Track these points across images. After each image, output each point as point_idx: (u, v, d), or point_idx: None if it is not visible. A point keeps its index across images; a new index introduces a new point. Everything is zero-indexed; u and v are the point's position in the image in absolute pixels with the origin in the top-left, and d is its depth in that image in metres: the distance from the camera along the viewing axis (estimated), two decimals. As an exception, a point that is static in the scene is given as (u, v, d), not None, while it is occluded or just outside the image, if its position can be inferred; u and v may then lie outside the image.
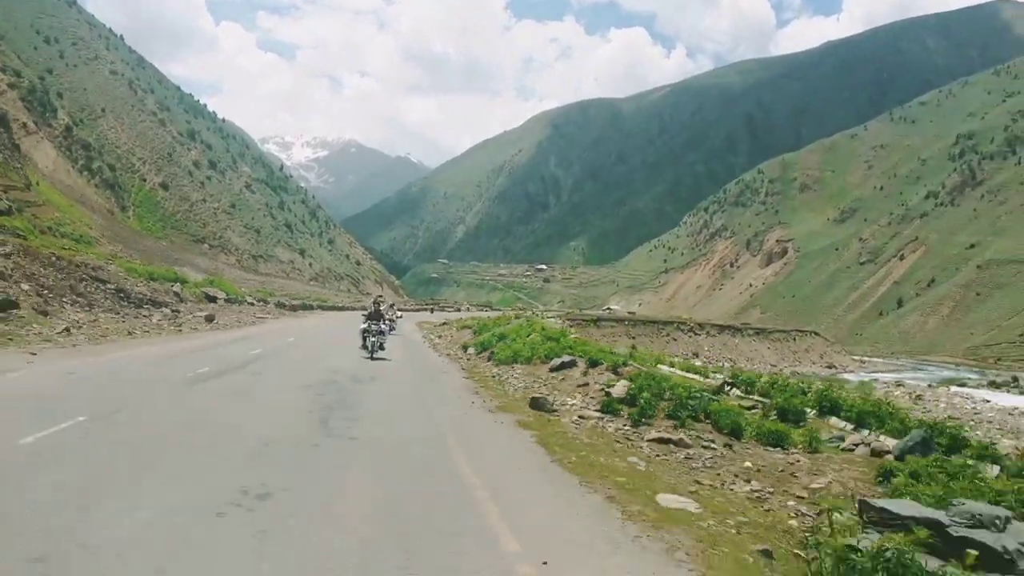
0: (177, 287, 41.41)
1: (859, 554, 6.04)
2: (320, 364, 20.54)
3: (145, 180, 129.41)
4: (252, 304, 53.81)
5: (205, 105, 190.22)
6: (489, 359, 25.95)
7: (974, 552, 6.36)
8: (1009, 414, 39.80)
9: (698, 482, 10.10)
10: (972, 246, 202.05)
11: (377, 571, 5.98)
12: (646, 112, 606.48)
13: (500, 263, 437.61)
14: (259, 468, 8.87)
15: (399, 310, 53.03)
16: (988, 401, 50.16)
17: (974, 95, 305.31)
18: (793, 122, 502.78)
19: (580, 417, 14.76)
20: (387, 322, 25.73)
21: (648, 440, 12.50)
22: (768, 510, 9.06)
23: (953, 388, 64.28)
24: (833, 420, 16.49)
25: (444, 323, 53.73)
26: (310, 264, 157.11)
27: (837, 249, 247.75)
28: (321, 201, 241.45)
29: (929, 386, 63.11)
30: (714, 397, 15.80)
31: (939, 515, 7.08)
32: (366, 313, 24.35)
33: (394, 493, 8.39)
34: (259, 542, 6.34)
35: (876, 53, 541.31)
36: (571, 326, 67.27)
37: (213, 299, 45.71)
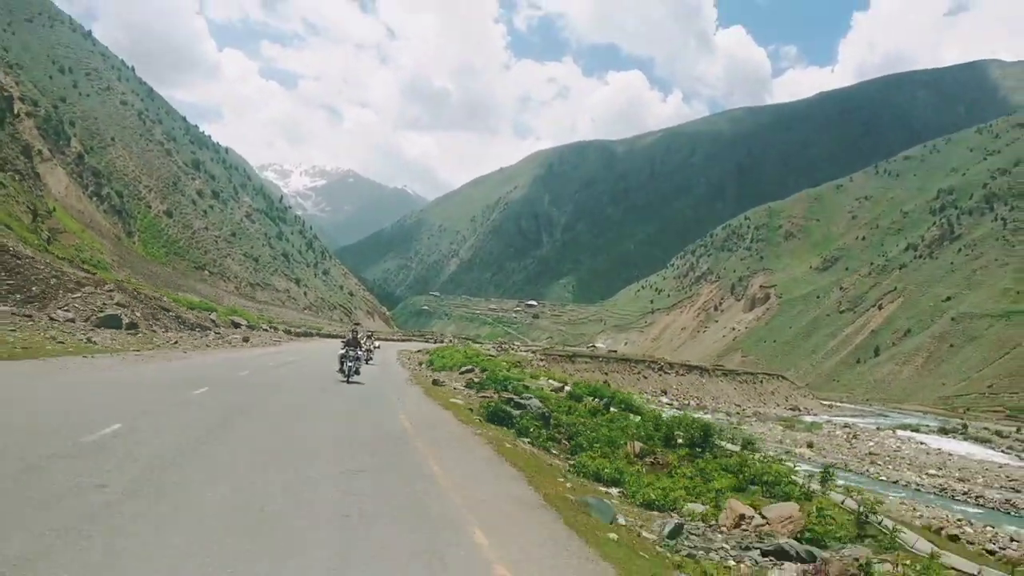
0: (214, 316, 52.18)
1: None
2: (327, 366, 29.26)
3: (151, 207, 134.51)
4: (266, 330, 62.62)
5: (210, 136, 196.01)
6: (430, 367, 38.24)
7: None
8: (927, 453, 45.13)
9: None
10: (948, 299, 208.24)
11: (347, 439, 12.89)
12: (639, 155, 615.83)
13: (491, 298, 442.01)
14: (304, 391, 21.10)
15: (378, 340, 57.50)
16: (922, 444, 55.46)
17: (957, 152, 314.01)
18: (781, 171, 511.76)
19: (454, 388, 27.09)
20: (363, 351, 28.54)
21: (479, 395, 24.68)
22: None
23: (901, 432, 69.50)
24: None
25: (419, 350, 59.39)
26: (304, 293, 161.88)
27: (818, 296, 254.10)
28: (317, 230, 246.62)
29: (878, 429, 68.45)
30: (528, 384, 28.21)
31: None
32: (344, 340, 27.55)
33: (357, 409, 17.85)
34: (291, 423, 14.47)
35: (866, 105, 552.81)
36: (545, 360, 72.87)
37: (238, 325, 55.09)
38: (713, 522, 11.39)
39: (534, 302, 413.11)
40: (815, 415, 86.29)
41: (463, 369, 34.67)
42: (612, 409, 26.35)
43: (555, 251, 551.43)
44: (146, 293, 42.60)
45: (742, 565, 9.06)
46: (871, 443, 48.86)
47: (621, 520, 10.00)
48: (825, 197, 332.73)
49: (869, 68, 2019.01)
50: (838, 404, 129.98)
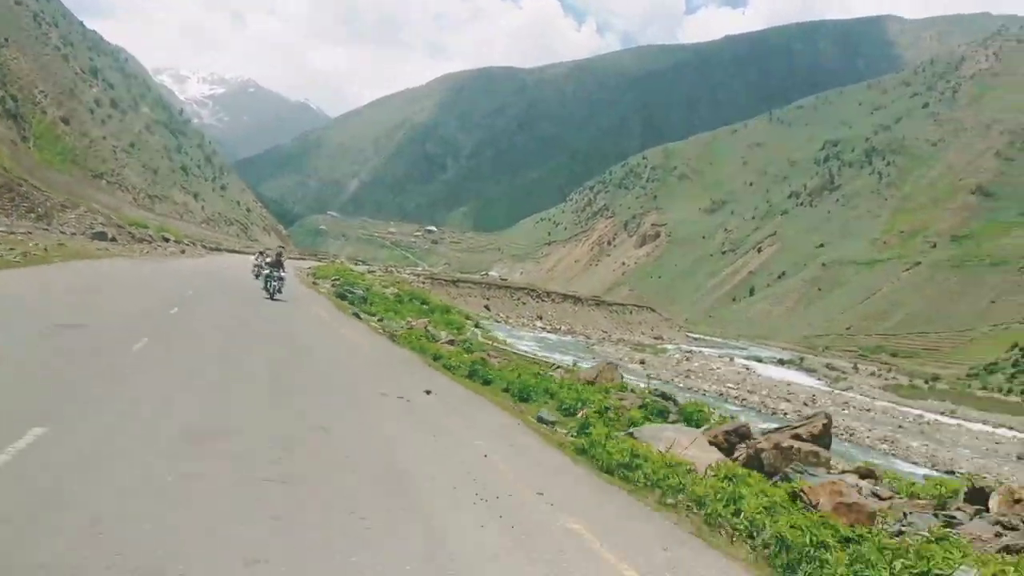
0: (150, 232, 64.50)
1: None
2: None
3: (46, 113, 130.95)
4: (188, 245, 72.63)
5: (109, 43, 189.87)
6: (313, 277, 47.40)
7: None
8: (738, 373, 52.24)
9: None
10: (821, 245, 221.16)
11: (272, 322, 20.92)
12: (549, 86, 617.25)
13: (391, 221, 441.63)
14: (238, 291, 29.81)
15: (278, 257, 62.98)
16: (747, 368, 62.84)
17: (847, 105, 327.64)
18: (686, 111, 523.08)
19: (327, 288, 37.52)
20: (283, 271, 30.33)
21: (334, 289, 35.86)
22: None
23: (742, 361, 77.30)
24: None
25: (309, 268, 63.72)
26: (202, 207, 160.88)
27: (704, 237, 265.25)
28: (214, 141, 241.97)
29: (719, 357, 75.94)
30: (366, 294, 35.50)
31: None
32: (269, 261, 30.49)
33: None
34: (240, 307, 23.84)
35: (772, 52, 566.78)
36: (428, 284, 77.46)
37: (167, 240, 67.11)
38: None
39: (434, 228, 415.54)
40: (675, 344, 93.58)
41: (333, 279, 44.56)
42: (415, 302, 35.36)
43: (459, 177, 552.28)
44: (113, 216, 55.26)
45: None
46: (696, 364, 55.79)
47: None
48: (720, 141, 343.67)
49: (780, 12, 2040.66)
50: (705, 337, 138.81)
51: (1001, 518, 7.99)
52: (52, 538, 4.86)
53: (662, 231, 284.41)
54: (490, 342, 27.62)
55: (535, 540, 6.39)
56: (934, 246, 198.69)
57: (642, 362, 51.33)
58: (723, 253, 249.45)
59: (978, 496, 9.11)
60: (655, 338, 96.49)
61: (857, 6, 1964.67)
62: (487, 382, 15.41)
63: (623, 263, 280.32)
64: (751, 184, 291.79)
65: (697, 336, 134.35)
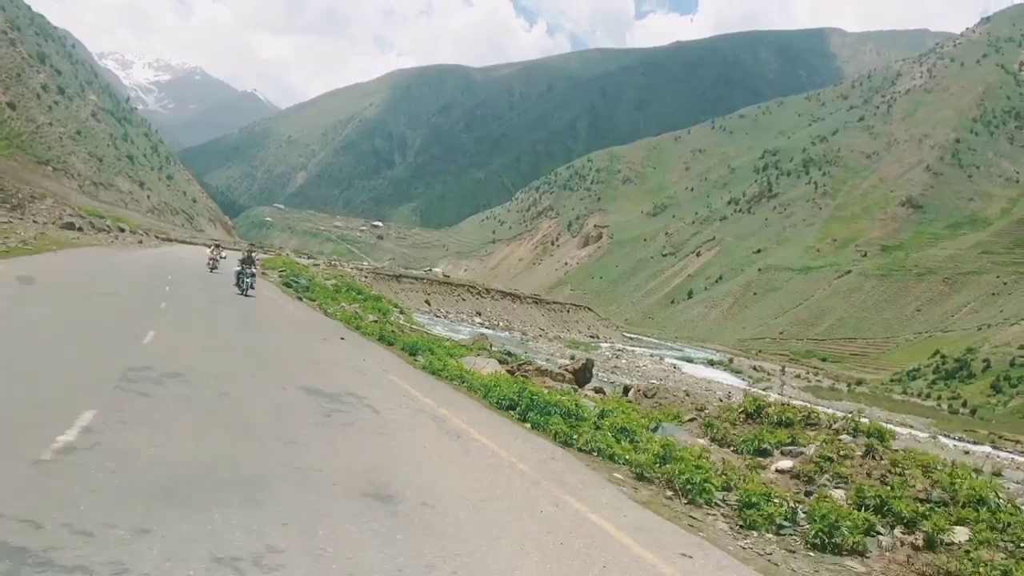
0: (108, 222, 66.07)
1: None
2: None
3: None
4: (142, 235, 73.85)
5: (56, 28, 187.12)
6: (263, 271, 47.56)
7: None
8: (663, 371, 55.17)
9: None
10: (758, 251, 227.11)
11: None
12: (498, 85, 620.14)
13: (337, 215, 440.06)
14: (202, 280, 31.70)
15: (225, 250, 63.84)
16: (675, 367, 65.92)
17: (786, 115, 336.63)
18: (633, 115, 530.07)
19: (275, 278, 39.98)
20: (256, 266, 31.09)
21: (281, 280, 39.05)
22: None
23: (669, 359, 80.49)
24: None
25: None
26: (148, 196, 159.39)
27: (646, 240, 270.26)
28: (159, 127, 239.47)
29: (650, 356, 79.08)
30: (308, 284, 38.63)
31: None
32: (241, 258, 30.85)
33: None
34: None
35: (718, 60, 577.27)
36: (370, 278, 79.22)
37: (123, 230, 68.19)
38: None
39: (379, 223, 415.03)
40: (609, 342, 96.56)
41: (280, 270, 47.57)
42: (351, 292, 38.31)
43: (407, 173, 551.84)
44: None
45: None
46: (623, 361, 58.76)
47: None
48: (663, 147, 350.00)
49: (727, 21, 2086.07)
50: (642, 337, 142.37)
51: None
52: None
53: (604, 232, 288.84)
54: (408, 324, 32.78)
55: (375, 380, 13.26)
56: (865, 255, 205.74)
57: (572, 357, 54.03)
58: (664, 256, 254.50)
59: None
60: (591, 336, 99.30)
61: (802, 18, 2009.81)
62: (390, 343, 20.40)
63: (566, 263, 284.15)
64: (692, 189, 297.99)
65: (634, 336, 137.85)
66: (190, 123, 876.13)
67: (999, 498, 7.94)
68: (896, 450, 9.84)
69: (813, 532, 7.19)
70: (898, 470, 8.82)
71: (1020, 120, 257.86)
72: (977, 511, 7.62)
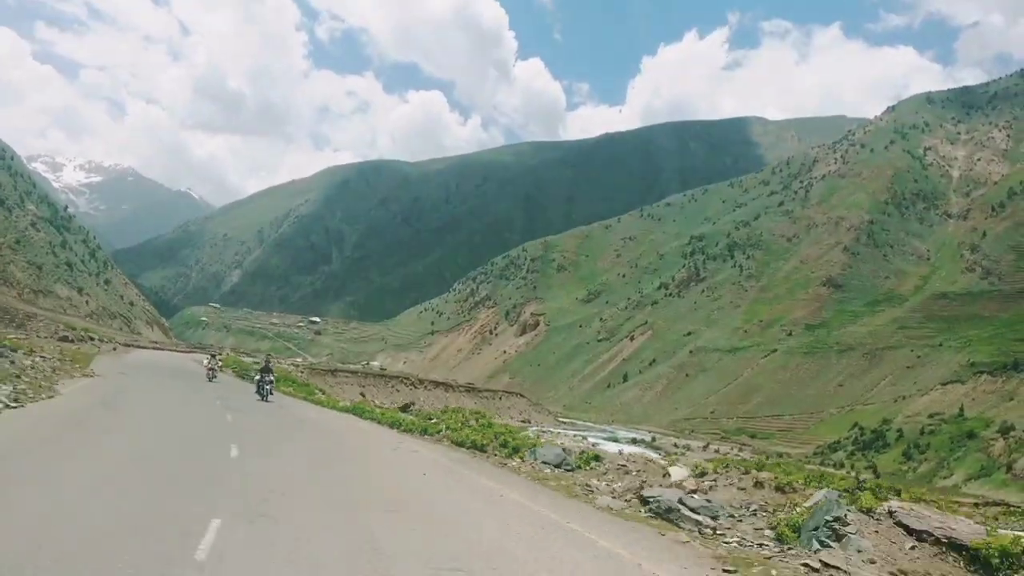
0: (81, 332, 71.71)
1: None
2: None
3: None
4: (108, 342, 73.36)
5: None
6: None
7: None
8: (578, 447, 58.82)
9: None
10: (689, 333, 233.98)
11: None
12: (434, 179, 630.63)
13: (275, 312, 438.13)
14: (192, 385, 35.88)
15: (167, 351, 69.61)
16: (595, 445, 69.30)
17: (711, 202, 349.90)
18: (566, 205, 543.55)
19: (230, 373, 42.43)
20: (272, 375, 33.96)
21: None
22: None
23: (592, 439, 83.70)
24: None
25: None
26: (86, 302, 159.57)
27: (581, 326, 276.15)
28: (90, 229, 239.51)
29: (573, 436, 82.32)
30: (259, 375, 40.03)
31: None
32: (260, 367, 36.35)
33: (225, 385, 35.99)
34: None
35: (646, 149, 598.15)
36: (307, 373, 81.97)
37: (93, 339, 69.77)
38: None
39: (317, 319, 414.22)
40: (538, 426, 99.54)
41: (232, 367, 54.41)
42: (287, 382, 43.48)
43: (344, 268, 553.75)
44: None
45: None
46: (544, 439, 62.74)
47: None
48: (595, 235, 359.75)
49: (654, 111, 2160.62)
50: (576, 422, 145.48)
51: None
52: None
53: (541, 320, 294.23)
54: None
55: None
56: (790, 334, 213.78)
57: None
58: (599, 341, 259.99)
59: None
60: (523, 421, 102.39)
61: (726, 107, 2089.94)
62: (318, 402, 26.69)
63: (504, 351, 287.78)
64: (624, 276, 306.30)
65: (568, 420, 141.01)
66: (122, 224, 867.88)
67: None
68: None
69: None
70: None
71: (928, 201, 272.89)
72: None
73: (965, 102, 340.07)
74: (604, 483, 15.35)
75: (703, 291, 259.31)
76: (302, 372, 79.55)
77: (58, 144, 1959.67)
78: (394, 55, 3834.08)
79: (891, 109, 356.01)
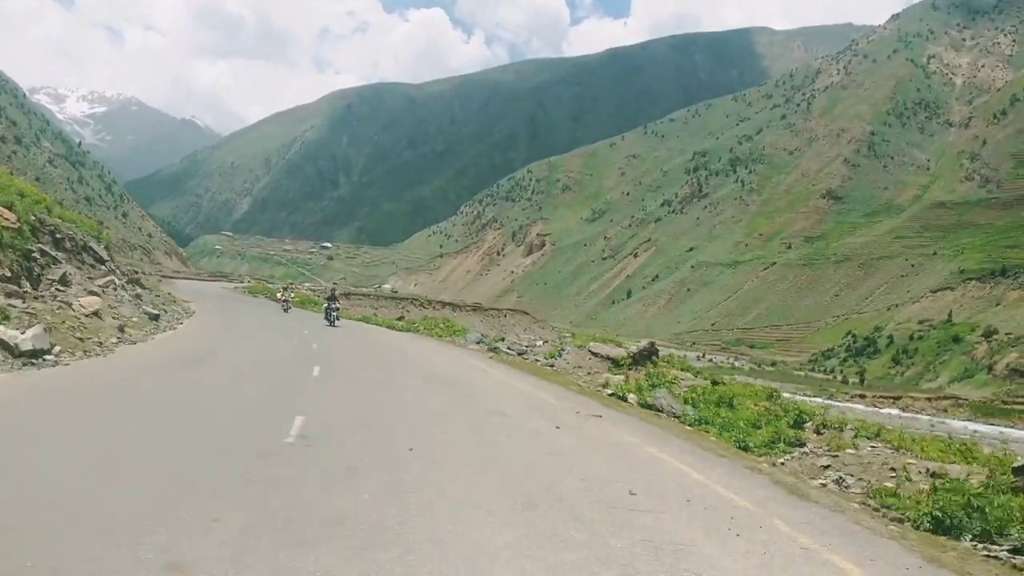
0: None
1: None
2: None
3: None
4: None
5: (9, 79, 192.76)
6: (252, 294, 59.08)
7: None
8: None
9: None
10: (691, 249, 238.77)
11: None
12: (438, 101, 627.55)
13: (286, 238, 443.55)
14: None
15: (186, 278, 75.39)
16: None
17: (714, 117, 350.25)
18: (570, 124, 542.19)
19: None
20: (337, 304, 38.19)
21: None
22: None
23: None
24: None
25: (235, 288, 78.06)
26: (108, 235, 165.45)
27: (586, 245, 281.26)
28: (98, 161, 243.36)
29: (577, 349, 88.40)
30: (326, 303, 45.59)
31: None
32: (327, 296, 43.10)
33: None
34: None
35: (650, 64, 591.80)
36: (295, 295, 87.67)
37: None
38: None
39: (328, 244, 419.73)
40: (542, 340, 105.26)
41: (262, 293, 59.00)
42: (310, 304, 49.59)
43: (352, 193, 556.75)
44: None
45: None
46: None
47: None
48: (599, 154, 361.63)
49: (659, 24, 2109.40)
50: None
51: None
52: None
53: (547, 240, 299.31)
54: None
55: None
56: (789, 247, 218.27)
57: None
58: (603, 259, 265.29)
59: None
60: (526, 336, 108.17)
61: (732, 17, 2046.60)
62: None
63: (512, 271, 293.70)
64: (628, 194, 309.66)
65: (567, 333, 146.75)
66: (129, 155, 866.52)
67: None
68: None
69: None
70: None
71: (930, 111, 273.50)
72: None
73: (971, 7, 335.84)
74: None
75: (705, 207, 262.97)
76: (319, 296, 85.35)
77: (58, 75, 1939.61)
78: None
79: (895, 17, 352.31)
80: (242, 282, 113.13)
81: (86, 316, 16.94)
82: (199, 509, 5.64)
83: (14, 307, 14.26)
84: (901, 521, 7.65)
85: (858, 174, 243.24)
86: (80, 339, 15.13)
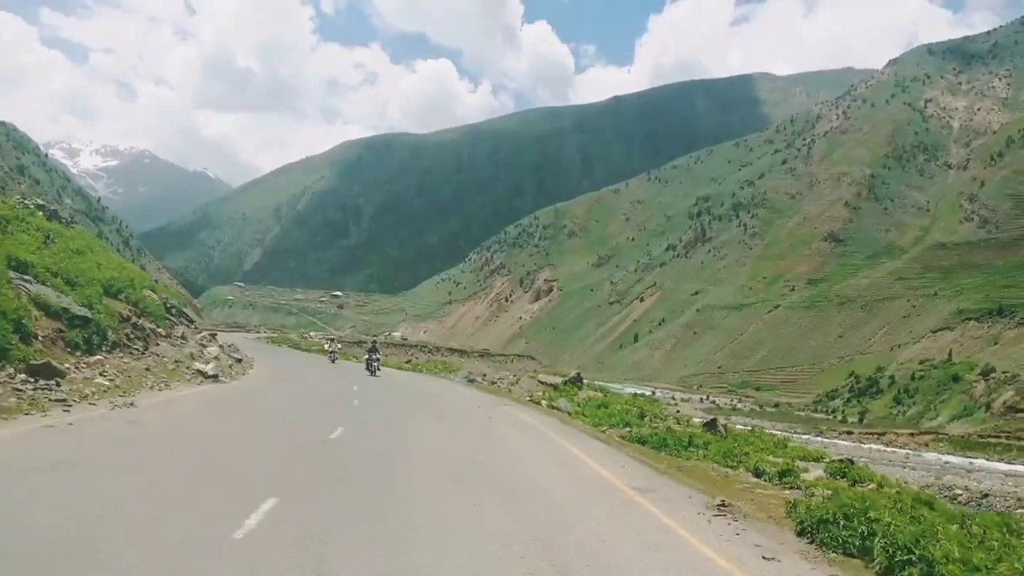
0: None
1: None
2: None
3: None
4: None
5: (30, 140, 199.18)
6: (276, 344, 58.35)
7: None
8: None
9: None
10: (696, 293, 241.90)
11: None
12: (445, 150, 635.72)
13: (296, 288, 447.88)
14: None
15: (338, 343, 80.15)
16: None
17: (716, 163, 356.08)
18: (576, 171, 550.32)
19: (286, 347, 43.32)
20: (379, 355, 41.32)
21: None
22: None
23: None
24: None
25: (255, 338, 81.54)
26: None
27: (593, 290, 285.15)
28: (115, 215, 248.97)
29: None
30: (367, 355, 50.69)
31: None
32: (368, 348, 46.18)
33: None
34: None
35: (654, 110, 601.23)
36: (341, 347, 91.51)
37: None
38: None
39: (339, 293, 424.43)
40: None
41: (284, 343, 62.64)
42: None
43: (362, 241, 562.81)
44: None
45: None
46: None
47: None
48: (604, 200, 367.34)
49: (662, 70, 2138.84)
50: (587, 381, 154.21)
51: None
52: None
53: (554, 285, 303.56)
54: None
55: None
56: (793, 289, 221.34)
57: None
58: (610, 304, 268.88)
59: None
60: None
61: (732, 64, 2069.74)
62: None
63: (520, 317, 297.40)
64: (633, 239, 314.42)
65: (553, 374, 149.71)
66: (142, 207, 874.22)
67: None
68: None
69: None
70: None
71: (928, 153, 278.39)
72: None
73: (966, 52, 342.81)
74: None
75: (709, 251, 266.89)
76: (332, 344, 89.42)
77: (71, 129, 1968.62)
78: (400, 25, 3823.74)
79: (893, 62, 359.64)
80: (259, 332, 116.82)
81: (214, 359, 26.94)
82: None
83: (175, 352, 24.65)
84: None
85: (859, 217, 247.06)
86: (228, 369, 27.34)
